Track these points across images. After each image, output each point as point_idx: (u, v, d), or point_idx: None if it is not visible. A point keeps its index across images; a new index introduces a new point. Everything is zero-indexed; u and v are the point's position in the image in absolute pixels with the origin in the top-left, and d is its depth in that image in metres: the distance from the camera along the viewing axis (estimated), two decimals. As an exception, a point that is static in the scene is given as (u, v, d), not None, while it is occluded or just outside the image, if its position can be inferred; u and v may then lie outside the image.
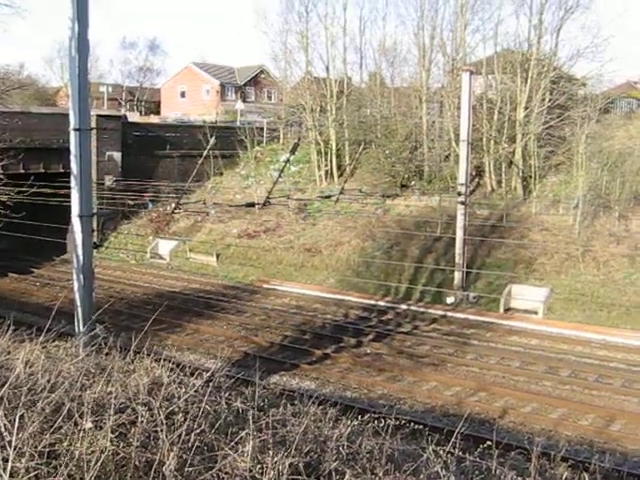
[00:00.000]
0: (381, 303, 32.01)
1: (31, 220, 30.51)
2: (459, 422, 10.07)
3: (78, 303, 17.63)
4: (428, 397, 20.87)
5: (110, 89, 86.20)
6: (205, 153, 44.27)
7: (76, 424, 6.04)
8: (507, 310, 30.57)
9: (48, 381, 6.88)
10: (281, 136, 54.68)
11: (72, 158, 17.36)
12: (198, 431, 6.38)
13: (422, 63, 45.21)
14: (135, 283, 35.82)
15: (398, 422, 8.48)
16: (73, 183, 17.41)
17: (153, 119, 72.22)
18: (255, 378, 9.45)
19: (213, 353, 23.44)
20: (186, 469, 5.83)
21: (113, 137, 44.04)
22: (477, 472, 7.48)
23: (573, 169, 38.01)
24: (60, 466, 5.48)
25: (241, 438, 6.45)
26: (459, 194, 32.63)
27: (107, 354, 9.55)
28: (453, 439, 7.75)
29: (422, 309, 31.07)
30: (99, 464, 5.53)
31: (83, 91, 17.13)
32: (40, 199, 29.89)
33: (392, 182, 42.70)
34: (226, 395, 8.08)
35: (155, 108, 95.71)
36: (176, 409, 6.73)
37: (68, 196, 18.23)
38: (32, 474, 5.21)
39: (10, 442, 5.34)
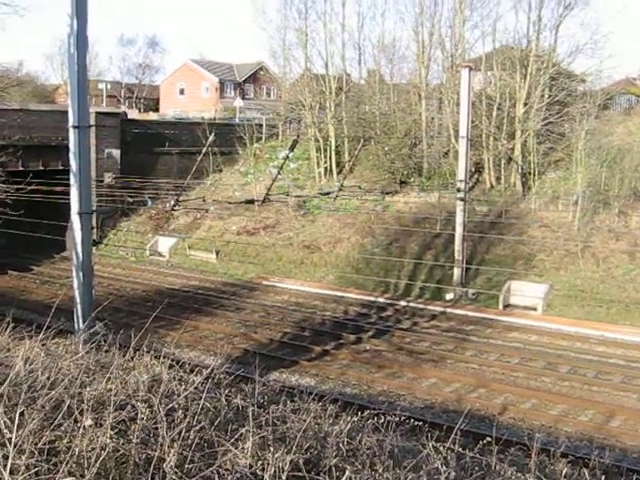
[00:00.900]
0: (380, 300, 32.01)
1: (30, 217, 30.51)
2: (459, 418, 10.09)
3: (77, 300, 17.64)
4: (428, 393, 20.89)
5: (109, 86, 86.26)
6: (204, 150, 44.16)
7: (76, 421, 6.05)
8: (506, 306, 30.59)
9: (48, 378, 6.88)
10: (280, 133, 54.65)
11: (71, 155, 17.36)
12: (198, 428, 6.38)
13: (421, 59, 45.20)
14: (134, 280, 35.83)
15: (398, 418, 8.47)
16: (72, 180, 17.42)
17: (152, 116, 72.22)
18: (255, 375, 9.46)
19: (213, 350, 23.41)
20: (186, 466, 5.83)
21: (112, 134, 44.02)
22: (477, 468, 7.47)
23: (572, 165, 38.00)
24: (60, 463, 5.48)
25: (241, 435, 6.45)
26: (458, 190, 32.64)
27: (107, 351, 9.56)
28: (453, 435, 7.77)
29: (421, 305, 31.09)
30: (99, 461, 5.53)
31: (82, 88, 17.13)
32: (39, 196, 29.91)
33: (391, 179, 42.72)
34: (226, 392, 8.08)
35: (154, 105, 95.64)
36: (176, 406, 6.73)
37: (67, 193, 18.23)
38: (32, 471, 5.20)
39: (10, 439, 5.34)
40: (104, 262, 38.31)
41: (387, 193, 41.12)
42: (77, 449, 5.64)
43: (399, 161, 42.76)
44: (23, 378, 6.76)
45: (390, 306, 31.17)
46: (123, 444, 5.88)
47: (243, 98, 79.91)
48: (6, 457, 5.21)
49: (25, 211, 28.27)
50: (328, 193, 41.41)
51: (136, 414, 6.36)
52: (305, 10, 48.73)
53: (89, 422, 5.98)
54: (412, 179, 42.94)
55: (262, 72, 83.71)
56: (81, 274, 17.62)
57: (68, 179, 17.69)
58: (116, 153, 44.22)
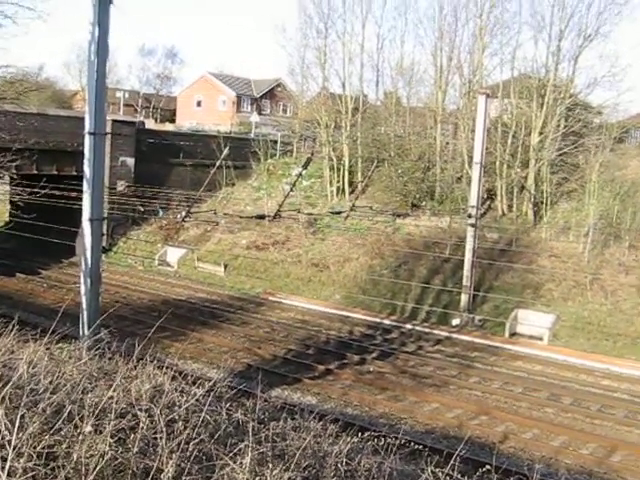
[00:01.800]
0: (386, 321, 31.95)
1: (41, 221, 30.62)
2: (459, 444, 10.03)
3: (84, 306, 17.66)
4: (429, 418, 20.79)
5: (127, 95, 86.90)
6: (218, 163, 44.38)
7: (76, 427, 6.04)
8: (512, 335, 30.45)
9: (50, 382, 6.89)
10: (294, 150, 54.76)
11: (86, 162, 17.44)
12: (197, 440, 6.38)
13: (439, 84, 45.30)
14: (142, 289, 35.86)
15: (398, 441, 8.43)
16: (85, 187, 17.50)
17: (168, 127, 72.57)
18: (257, 390, 9.45)
19: (216, 363, 23.42)
20: (184, 478, 5.82)
21: (127, 143, 44.24)
22: (475, 496, 7.44)
23: (585, 197, 37.90)
24: (58, 468, 5.48)
25: (240, 449, 6.44)
26: (469, 216, 32.61)
27: (110, 359, 9.57)
28: (452, 461, 7.72)
29: (427, 329, 31.00)
30: (97, 468, 5.52)
31: (100, 95, 17.23)
32: (51, 201, 30.02)
33: (403, 201, 42.70)
34: (227, 406, 8.08)
35: (170, 116, 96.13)
36: (177, 417, 6.73)
37: (79, 199, 18.31)
38: (30, 475, 5.20)
39: (10, 441, 5.34)
40: (112, 269, 38.37)
41: (398, 215, 41.10)
42: (76, 455, 5.64)
43: (412, 184, 42.77)
44: (26, 381, 6.76)
45: (396, 328, 31.10)
46: (122, 452, 5.88)
47: (259, 113, 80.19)
48: (4, 459, 5.21)
49: (37, 215, 28.40)
50: (339, 212, 41.45)
51: (136, 423, 6.36)
52: (325, 29, 48.99)
53: (89, 428, 5.98)
54: (424, 203, 42.91)
55: (279, 89, 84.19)
56: (89, 280, 17.65)
57: (81, 185, 17.77)
58: (130, 162, 44.40)
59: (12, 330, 9.34)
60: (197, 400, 7.41)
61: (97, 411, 6.52)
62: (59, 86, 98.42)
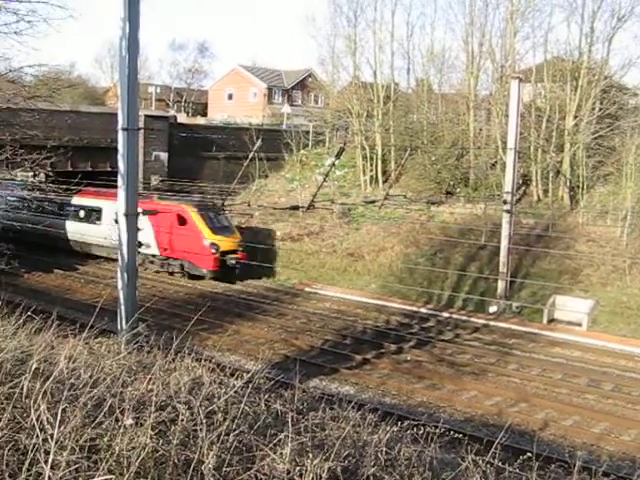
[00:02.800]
0: (423, 310, 31.85)
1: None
2: (499, 432, 9.98)
3: (121, 301, 17.78)
4: (468, 406, 20.69)
5: (158, 90, 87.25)
6: (251, 155, 44.43)
7: (117, 420, 6.09)
8: (550, 321, 30.22)
9: (90, 376, 6.95)
10: (327, 140, 54.75)
11: (119, 157, 17.55)
12: (237, 431, 6.39)
13: (470, 70, 45.00)
14: (178, 283, 36.05)
15: (437, 430, 8.40)
16: (120, 182, 17.60)
17: (200, 120, 72.87)
18: (295, 381, 9.46)
19: (253, 355, 23.46)
20: (224, 469, 5.84)
21: (160, 137, 44.45)
22: (517, 484, 7.39)
23: (622, 180, 37.43)
24: (100, 461, 5.53)
25: (280, 440, 6.45)
26: (505, 202, 32.33)
27: (148, 352, 9.65)
28: (493, 449, 7.67)
29: (464, 317, 30.85)
30: (139, 460, 5.56)
31: (132, 91, 17.31)
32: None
33: (437, 189, 42.53)
34: (265, 397, 8.10)
35: (202, 110, 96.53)
36: (216, 409, 6.75)
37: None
38: (72, 467, 5.25)
39: (52, 435, 5.40)
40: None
41: (433, 203, 40.95)
42: (117, 448, 5.68)
43: (445, 171, 42.58)
44: (66, 376, 6.83)
45: (432, 317, 30.97)
46: (163, 445, 5.91)
47: (291, 105, 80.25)
48: (47, 452, 5.26)
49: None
50: (373, 201, 41.39)
51: (176, 415, 6.40)
52: (355, 18, 48.97)
53: (130, 421, 6.02)
54: (458, 190, 42.69)
55: (310, 79, 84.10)
56: (126, 275, 17.77)
57: (116, 181, 17.89)
58: (164, 156, 44.64)
59: (52, 326, 9.44)
60: (236, 392, 7.43)
61: (137, 404, 6.58)
62: (91, 83, 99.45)
